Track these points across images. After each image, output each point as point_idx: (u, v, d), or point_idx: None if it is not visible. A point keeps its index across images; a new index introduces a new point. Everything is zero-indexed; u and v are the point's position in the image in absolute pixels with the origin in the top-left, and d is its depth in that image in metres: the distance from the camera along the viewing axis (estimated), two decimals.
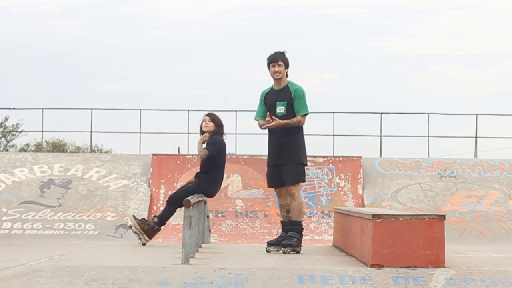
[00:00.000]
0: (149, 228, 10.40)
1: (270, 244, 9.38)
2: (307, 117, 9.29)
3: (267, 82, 9.52)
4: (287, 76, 9.40)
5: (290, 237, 9.20)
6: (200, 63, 79.69)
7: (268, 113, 9.24)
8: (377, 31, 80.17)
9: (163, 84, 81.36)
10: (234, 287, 6.64)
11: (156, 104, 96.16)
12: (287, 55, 9.38)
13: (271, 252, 9.25)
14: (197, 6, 79.21)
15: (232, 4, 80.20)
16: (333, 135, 19.10)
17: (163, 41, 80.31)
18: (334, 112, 19.48)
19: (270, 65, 9.37)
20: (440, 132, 28.48)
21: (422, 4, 76.74)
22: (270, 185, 9.53)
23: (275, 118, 9.19)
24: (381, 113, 19.33)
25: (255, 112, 9.51)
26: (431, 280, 6.92)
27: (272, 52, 9.41)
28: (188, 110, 18.65)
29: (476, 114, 19.40)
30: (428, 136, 19.45)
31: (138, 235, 10.44)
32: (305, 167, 9.40)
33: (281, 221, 9.46)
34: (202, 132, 10.47)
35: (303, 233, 9.50)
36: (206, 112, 10.67)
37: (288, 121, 9.16)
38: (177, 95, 78.19)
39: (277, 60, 9.34)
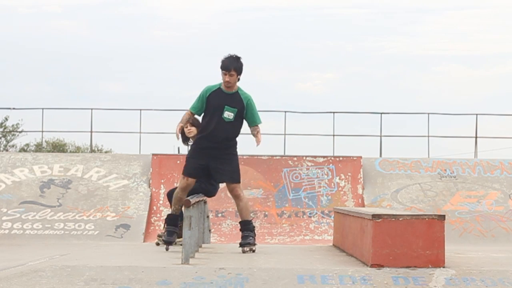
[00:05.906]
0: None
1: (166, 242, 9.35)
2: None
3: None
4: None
5: (246, 236, 9.09)
6: (201, 63, 79.64)
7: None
8: (378, 31, 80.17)
9: (164, 84, 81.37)
10: (234, 287, 6.64)
11: (157, 104, 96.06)
12: (241, 60, 8.90)
13: (169, 250, 9.20)
14: (198, 6, 79.25)
15: (233, 5, 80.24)
16: (333, 135, 19.09)
17: (164, 41, 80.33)
18: (334, 112, 19.48)
19: (222, 71, 8.83)
20: (440, 132, 28.49)
21: (423, 5, 76.74)
22: (193, 174, 9.07)
23: (258, 136, 9.05)
24: (381, 113, 19.33)
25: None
26: (431, 280, 6.92)
27: (227, 55, 8.88)
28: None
29: (476, 114, 19.40)
30: (428, 136, 19.45)
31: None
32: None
33: (168, 215, 9.33)
34: (184, 138, 10.42)
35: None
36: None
37: (260, 133, 9.04)
38: (178, 95, 78.15)
39: (230, 69, 8.79)
